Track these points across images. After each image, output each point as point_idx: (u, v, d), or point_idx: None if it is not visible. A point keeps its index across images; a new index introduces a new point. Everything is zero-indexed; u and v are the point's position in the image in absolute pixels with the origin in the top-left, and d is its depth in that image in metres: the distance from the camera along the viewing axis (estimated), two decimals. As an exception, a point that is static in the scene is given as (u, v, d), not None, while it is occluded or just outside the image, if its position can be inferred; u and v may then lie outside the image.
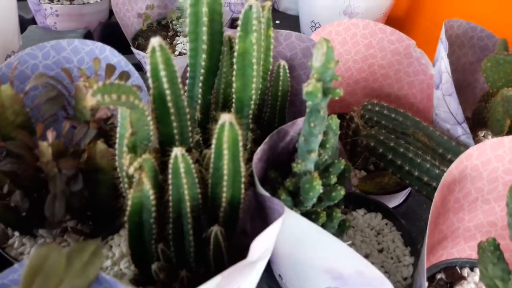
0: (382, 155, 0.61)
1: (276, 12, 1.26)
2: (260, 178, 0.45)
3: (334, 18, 0.95)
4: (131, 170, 0.35)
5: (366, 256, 0.56)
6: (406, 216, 0.68)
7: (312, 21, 1.02)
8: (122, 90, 0.33)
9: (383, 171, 0.70)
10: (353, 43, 0.70)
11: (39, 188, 0.52)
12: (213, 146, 0.36)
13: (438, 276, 0.54)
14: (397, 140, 0.62)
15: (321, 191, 0.42)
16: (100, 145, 0.48)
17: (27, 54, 0.58)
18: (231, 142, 0.35)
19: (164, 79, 0.36)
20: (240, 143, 0.36)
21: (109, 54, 0.59)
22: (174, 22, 0.96)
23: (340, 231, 0.49)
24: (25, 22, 1.15)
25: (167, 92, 0.36)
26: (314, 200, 0.43)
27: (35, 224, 0.56)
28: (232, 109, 0.52)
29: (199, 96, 0.53)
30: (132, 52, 0.90)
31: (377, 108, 0.66)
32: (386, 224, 0.61)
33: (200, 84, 0.52)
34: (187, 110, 0.39)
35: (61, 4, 1.04)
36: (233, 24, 1.05)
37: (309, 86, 0.36)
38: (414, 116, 0.64)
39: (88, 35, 1.08)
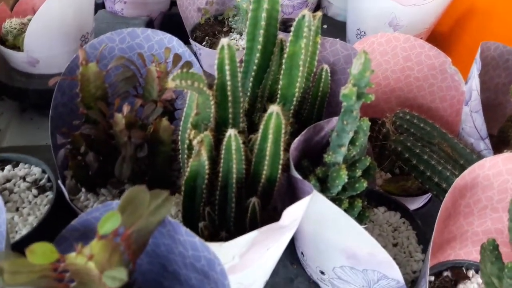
0: (407, 159, 0.68)
1: (324, 17, 1.33)
2: (295, 165, 0.52)
3: (379, 28, 1.01)
4: (194, 142, 0.43)
5: (381, 247, 0.63)
6: (423, 219, 0.73)
7: (358, 29, 1.08)
8: (196, 78, 0.41)
9: (407, 175, 0.75)
10: (393, 55, 0.76)
11: (108, 153, 0.61)
12: (260, 130, 0.44)
13: (445, 273, 0.60)
14: (423, 148, 0.68)
15: (346, 180, 0.49)
16: (165, 121, 0.57)
17: (107, 37, 0.68)
18: (275, 128, 0.43)
19: (228, 72, 0.44)
20: (283, 131, 0.43)
21: (175, 44, 0.68)
22: (230, 19, 1.05)
23: (359, 220, 0.56)
24: (96, 6, 1.27)
25: (228, 83, 0.45)
26: (339, 188, 0.50)
27: (99, 184, 0.66)
28: (276, 103, 0.60)
29: (249, 89, 0.61)
30: (188, 43, 0.99)
31: (408, 117, 0.72)
32: (404, 222, 0.67)
33: (251, 79, 0.60)
34: (242, 99, 0.47)
35: (129, -8, 1.15)
36: (283, 25, 1.13)
37: (346, 90, 0.43)
38: (441, 128, 0.70)
39: (150, 23, 1.18)
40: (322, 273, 0.57)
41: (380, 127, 0.74)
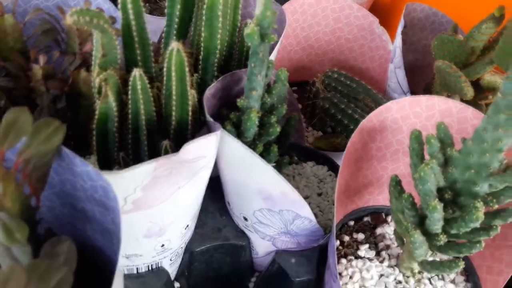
0: (333, 115, 0.70)
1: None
2: (214, 114, 0.53)
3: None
4: (97, 81, 0.43)
5: (306, 198, 0.65)
6: (353, 174, 0.76)
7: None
8: (95, 15, 0.41)
9: (338, 134, 0.78)
10: (323, 16, 0.77)
11: (30, 108, 0.61)
12: (164, 69, 0.44)
13: (365, 219, 0.62)
14: (348, 103, 0.70)
15: (257, 123, 0.50)
16: (83, 72, 0.56)
17: (31, -6, 0.67)
18: (178, 65, 0.43)
19: (131, 11, 0.44)
20: (187, 68, 0.44)
21: (101, 1, 0.67)
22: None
23: (278, 167, 0.57)
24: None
25: (133, 23, 0.45)
26: (252, 131, 0.51)
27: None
28: (201, 57, 0.61)
29: (173, 43, 0.61)
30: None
31: (336, 76, 0.74)
32: (330, 175, 0.69)
33: (175, 32, 0.60)
34: (151, 42, 0.48)
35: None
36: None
37: (248, 29, 0.44)
38: (367, 85, 0.72)
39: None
40: (246, 219, 0.58)
41: (311, 86, 0.76)
